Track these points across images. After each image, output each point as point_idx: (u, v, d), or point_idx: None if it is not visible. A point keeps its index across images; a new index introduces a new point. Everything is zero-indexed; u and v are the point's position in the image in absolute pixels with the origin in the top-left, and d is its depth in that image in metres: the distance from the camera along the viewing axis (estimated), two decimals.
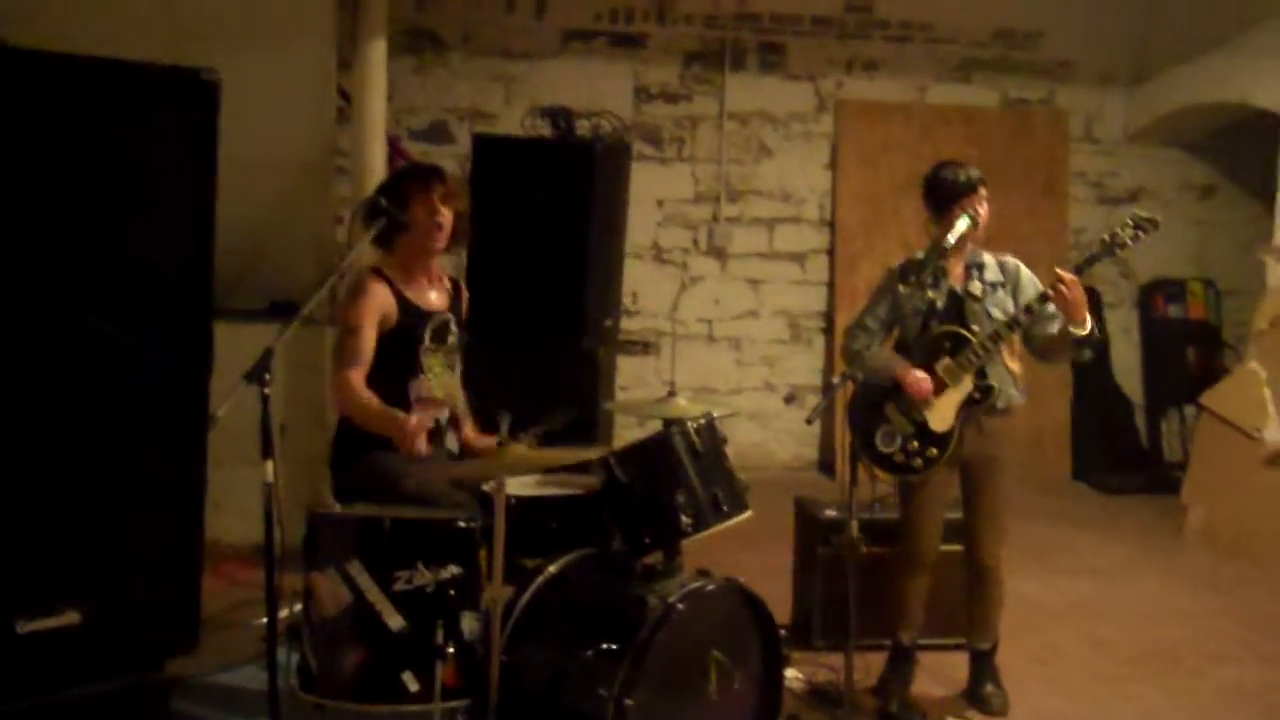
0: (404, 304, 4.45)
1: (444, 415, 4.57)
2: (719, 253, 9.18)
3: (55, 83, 3.87)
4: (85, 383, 3.97)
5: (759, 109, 9.18)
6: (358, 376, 4.33)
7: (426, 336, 4.49)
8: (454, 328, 4.61)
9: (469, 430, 4.75)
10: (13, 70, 3.82)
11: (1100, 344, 4.76)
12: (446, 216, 4.51)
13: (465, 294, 4.80)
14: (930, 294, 4.80)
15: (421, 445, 4.15)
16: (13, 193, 3.81)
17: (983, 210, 4.78)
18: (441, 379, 4.55)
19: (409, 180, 4.55)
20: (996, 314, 4.75)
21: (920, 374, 4.77)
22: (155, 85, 4.11)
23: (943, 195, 4.79)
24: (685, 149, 9.12)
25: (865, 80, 9.29)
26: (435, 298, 4.59)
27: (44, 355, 3.89)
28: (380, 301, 4.40)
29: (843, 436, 4.75)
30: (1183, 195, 9.84)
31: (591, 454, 4.06)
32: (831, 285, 9.25)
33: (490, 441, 4.45)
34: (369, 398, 4.31)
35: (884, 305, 4.94)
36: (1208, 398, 7.89)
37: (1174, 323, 9.67)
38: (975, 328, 4.74)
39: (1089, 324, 4.59)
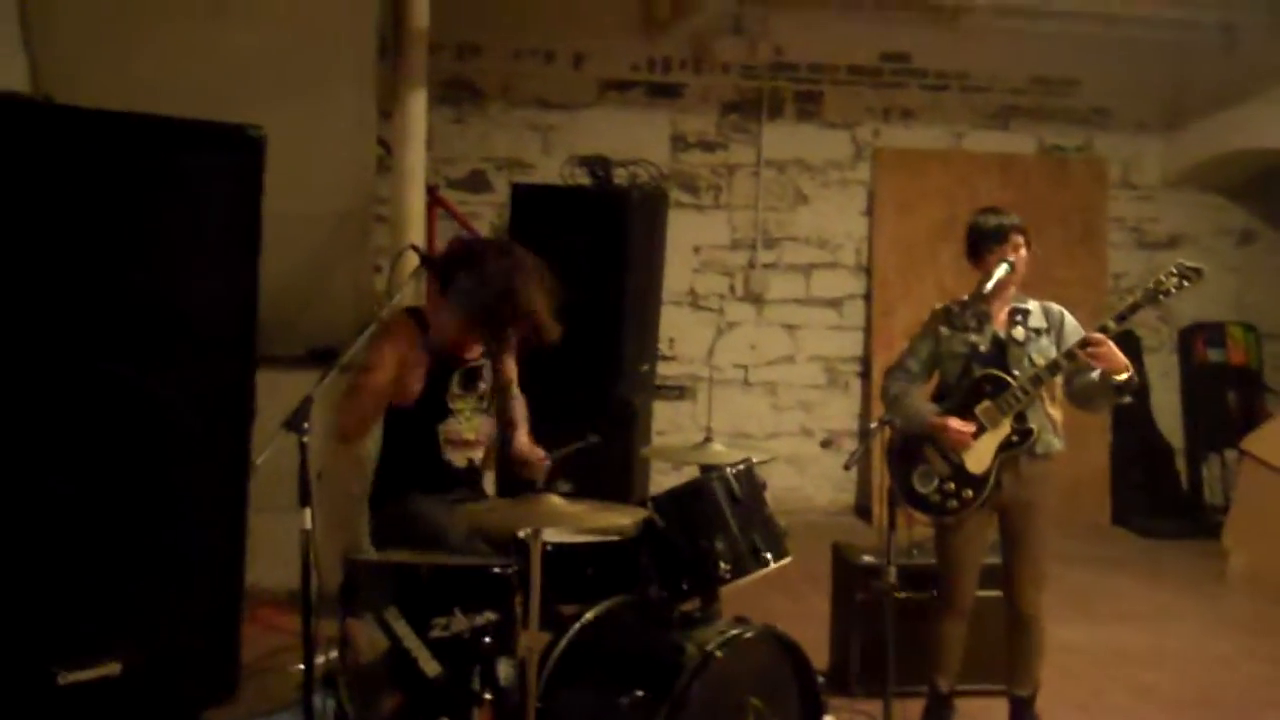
0: (434, 349, 4.44)
1: (478, 456, 4.59)
2: (755, 298, 9.20)
3: (103, 139, 3.93)
4: (126, 432, 4.01)
5: (796, 157, 9.21)
6: (357, 405, 4.37)
7: (454, 383, 4.50)
8: (485, 374, 4.59)
9: (522, 437, 4.70)
10: (61, 127, 3.88)
11: (1139, 389, 4.75)
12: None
13: (511, 340, 4.74)
14: (973, 338, 4.81)
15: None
16: (62, 247, 3.87)
17: (1017, 256, 4.79)
18: (473, 421, 4.55)
19: (467, 302, 4.37)
20: (1039, 360, 4.74)
21: (958, 422, 4.76)
22: (202, 141, 4.16)
23: (973, 241, 4.83)
24: (722, 196, 9.15)
25: (902, 128, 9.31)
26: (472, 343, 4.58)
27: (85, 405, 3.93)
28: (405, 345, 4.39)
29: (880, 481, 4.72)
30: (1221, 240, 9.80)
31: (626, 518, 4.03)
32: (868, 330, 9.25)
33: (539, 453, 4.49)
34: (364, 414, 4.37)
35: (925, 347, 4.95)
36: (1249, 442, 7.83)
37: (1214, 367, 9.60)
38: (1016, 372, 4.74)
39: (1129, 368, 4.60)
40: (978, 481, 4.77)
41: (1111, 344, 4.57)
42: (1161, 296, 4.67)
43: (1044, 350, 4.78)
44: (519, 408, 4.79)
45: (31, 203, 3.83)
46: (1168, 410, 9.65)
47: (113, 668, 3.94)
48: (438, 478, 4.46)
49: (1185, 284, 4.65)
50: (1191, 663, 6.22)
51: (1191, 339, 9.67)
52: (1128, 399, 4.81)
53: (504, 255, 4.42)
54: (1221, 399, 9.53)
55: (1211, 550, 8.00)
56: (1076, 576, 7.33)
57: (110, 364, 3.96)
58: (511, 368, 4.72)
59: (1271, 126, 8.60)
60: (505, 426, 4.73)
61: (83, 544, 3.94)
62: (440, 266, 4.45)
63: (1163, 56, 9.22)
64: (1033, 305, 4.88)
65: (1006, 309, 4.86)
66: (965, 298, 4.84)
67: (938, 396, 4.94)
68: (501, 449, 4.78)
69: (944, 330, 4.88)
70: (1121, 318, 4.67)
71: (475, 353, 4.58)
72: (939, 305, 4.99)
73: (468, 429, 4.54)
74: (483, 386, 4.59)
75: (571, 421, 6.33)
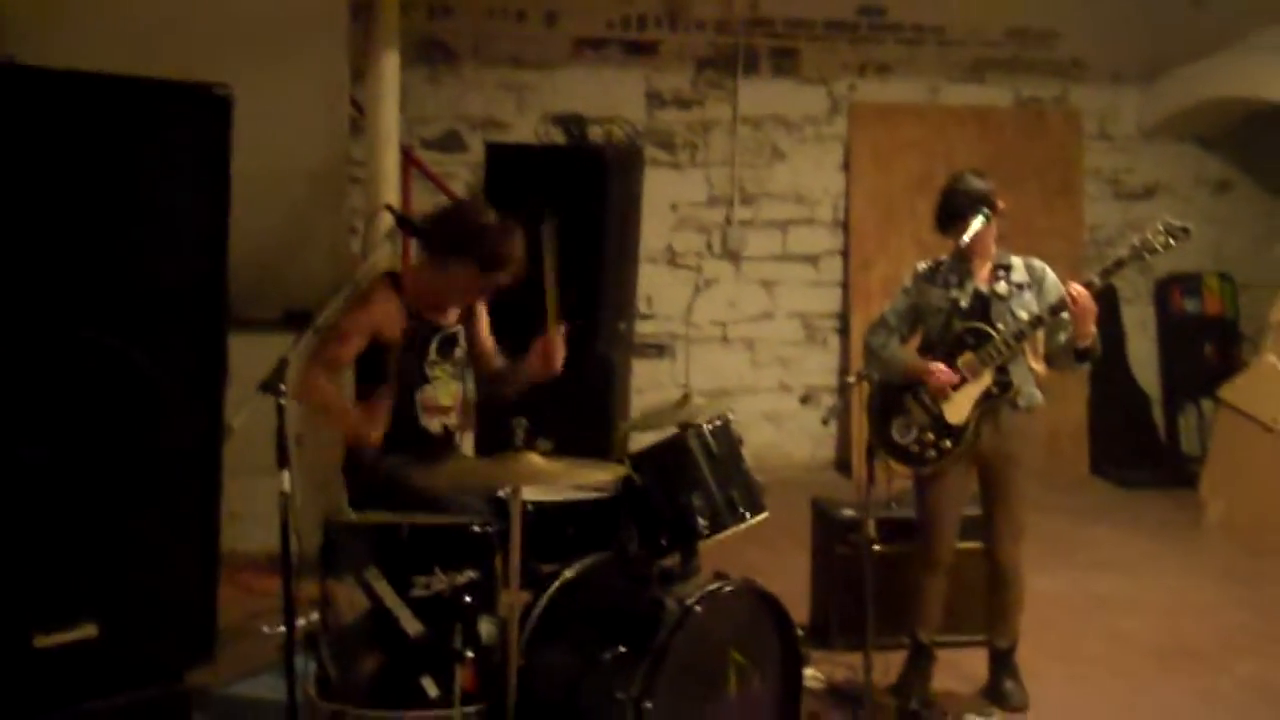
0: (412, 316, 4.47)
1: (453, 421, 4.61)
2: (733, 255, 9.18)
3: (68, 99, 3.89)
4: (99, 396, 3.99)
5: (772, 113, 9.17)
6: (324, 376, 4.40)
7: (432, 350, 4.52)
8: (462, 341, 4.64)
9: (530, 362, 4.72)
10: (25, 88, 3.84)
11: (1098, 358, 4.78)
12: (480, 296, 4.60)
13: (482, 309, 4.79)
14: (954, 293, 4.83)
15: (374, 434, 4.28)
16: (25, 209, 3.83)
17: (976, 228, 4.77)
18: (449, 388, 4.58)
19: (474, 250, 4.43)
20: (1021, 314, 4.76)
21: (940, 366, 4.78)
22: (168, 101, 4.12)
23: (952, 211, 4.80)
24: (698, 154, 9.11)
25: (878, 82, 9.27)
26: (449, 311, 4.62)
27: (57, 370, 3.91)
28: (382, 314, 4.41)
29: (859, 435, 4.75)
30: (1198, 190, 9.81)
31: (606, 474, 4.07)
32: (846, 286, 9.23)
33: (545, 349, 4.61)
34: (332, 391, 4.41)
35: (905, 301, 4.97)
36: (1225, 391, 7.88)
37: (1191, 317, 9.63)
38: (1000, 326, 4.75)
39: (1092, 337, 4.62)
40: (956, 432, 4.80)
41: (1089, 301, 4.58)
42: (1147, 254, 4.69)
43: (1027, 305, 4.79)
44: (497, 357, 4.85)
45: None
46: (1145, 360, 9.69)
47: (89, 630, 3.93)
48: (414, 443, 4.47)
49: (1172, 242, 4.66)
50: (1169, 611, 6.27)
51: (1168, 289, 9.69)
52: (1085, 366, 4.85)
53: (488, 212, 4.50)
54: (1198, 349, 9.56)
55: (1189, 499, 8.06)
56: (1055, 526, 7.37)
57: (79, 328, 3.93)
58: (484, 332, 4.78)
59: (1246, 76, 8.62)
60: (497, 373, 4.80)
61: (56, 507, 3.92)
62: (429, 229, 4.48)
63: (1138, 7, 9.18)
64: (1015, 261, 4.89)
65: (989, 265, 4.86)
66: (945, 256, 4.85)
67: (921, 351, 4.95)
68: (499, 382, 4.83)
69: (925, 285, 4.89)
70: (1106, 273, 4.70)
71: (451, 319, 4.61)
72: (921, 264, 4.99)
73: (444, 395, 4.56)
74: (458, 353, 4.63)
75: (550, 380, 6.35)
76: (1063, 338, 4.73)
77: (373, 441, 4.35)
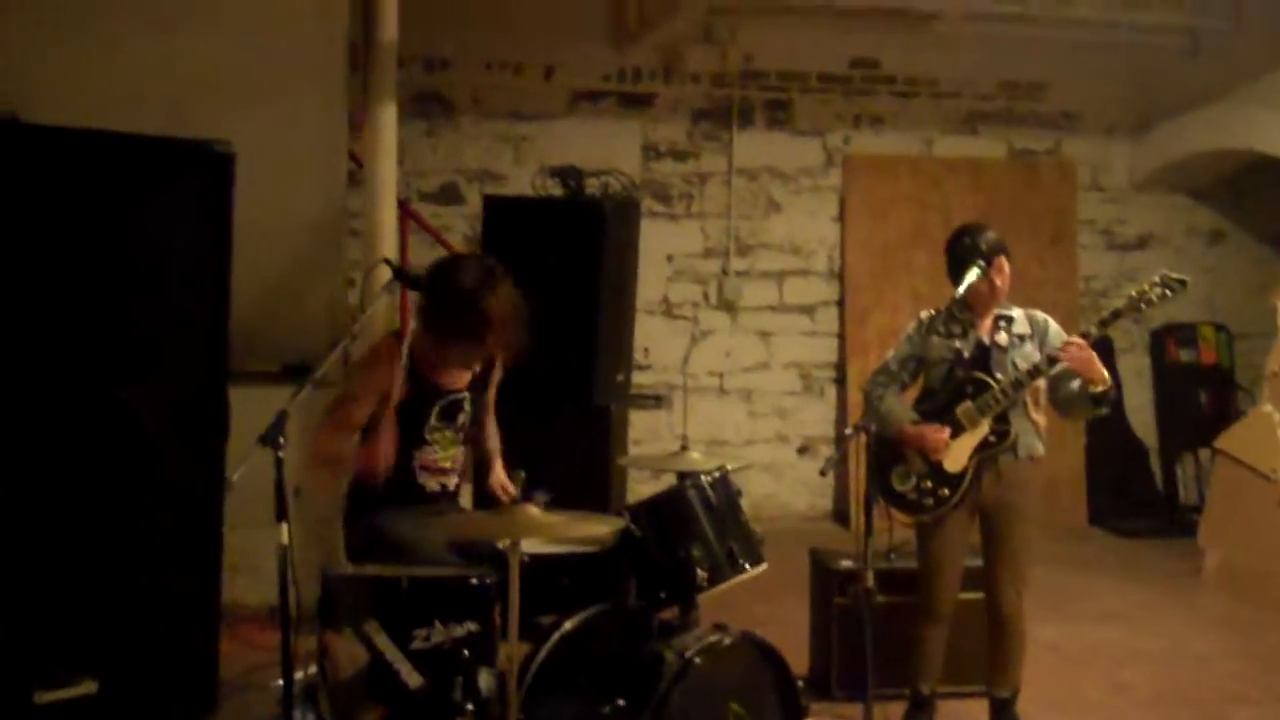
0: (417, 379, 4.41)
1: (452, 482, 4.60)
2: (729, 306, 9.21)
3: (70, 157, 3.92)
4: (101, 451, 4.00)
5: (767, 164, 9.24)
6: (336, 439, 4.38)
7: (433, 415, 4.47)
8: (467, 406, 4.58)
9: (498, 472, 4.77)
10: (28, 145, 3.87)
11: (1114, 401, 4.78)
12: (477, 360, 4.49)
13: (498, 371, 4.71)
14: (957, 344, 4.85)
15: (382, 468, 4.26)
16: (31, 265, 3.86)
17: (999, 273, 4.80)
18: (449, 451, 4.55)
19: (463, 323, 4.29)
20: (1022, 365, 4.77)
21: (932, 430, 4.78)
22: (170, 158, 4.16)
23: (952, 262, 4.83)
24: (694, 205, 9.16)
25: (872, 135, 9.34)
26: (458, 373, 4.55)
27: (59, 422, 3.92)
28: (389, 377, 4.33)
29: (857, 486, 4.74)
30: (1191, 241, 9.87)
31: (604, 527, 4.06)
32: (842, 336, 9.26)
33: (511, 492, 4.46)
34: (344, 453, 4.37)
35: (906, 348, 4.98)
36: (1222, 440, 7.88)
37: (1186, 367, 9.67)
38: (999, 375, 4.77)
39: (1107, 381, 4.64)
40: (954, 480, 4.80)
41: (1091, 350, 4.61)
42: (1144, 305, 4.72)
43: (1027, 356, 4.81)
44: (493, 439, 4.82)
45: None
46: (1141, 411, 9.71)
47: (89, 686, 3.92)
48: (410, 500, 4.45)
49: (1169, 294, 4.69)
50: (1168, 661, 6.26)
51: (1163, 340, 9.73)
52: (1105, 410, 4.86)
53: (472, 269, 4.37)
54: (1194, 398, 9.59)
55: (1187, 549, 8.04)
56: (1054, 576, 7.35)
57: (81, 380, 3.94)
58: (490, 397, 4.74)
59: (1236, 128, 8.68)
60: (480, 457, 4.77)
61: (58, 562, 3.93)
62: (417, 287, 4.45)
63: (1129, 60, 9.27)
64: (1016, 312, 4.92)
65: (991, 316, 4.89)
66: (944, 307, 4.87)
67: (921, 399, 4.97)
68: (477, 475, 4.82)
69: (928, 335, 4.90)
70: (1104, 323, 4.74)
71: (459, 384, 4.55)
72: (924, 313, 5.00)
73: (443, 458, 4.53)
74: (462, 419, 4.57)
75: (549, 433, 6.35)
76: (1074, 385, 4.74)
77: (381, 474, 4.32)
